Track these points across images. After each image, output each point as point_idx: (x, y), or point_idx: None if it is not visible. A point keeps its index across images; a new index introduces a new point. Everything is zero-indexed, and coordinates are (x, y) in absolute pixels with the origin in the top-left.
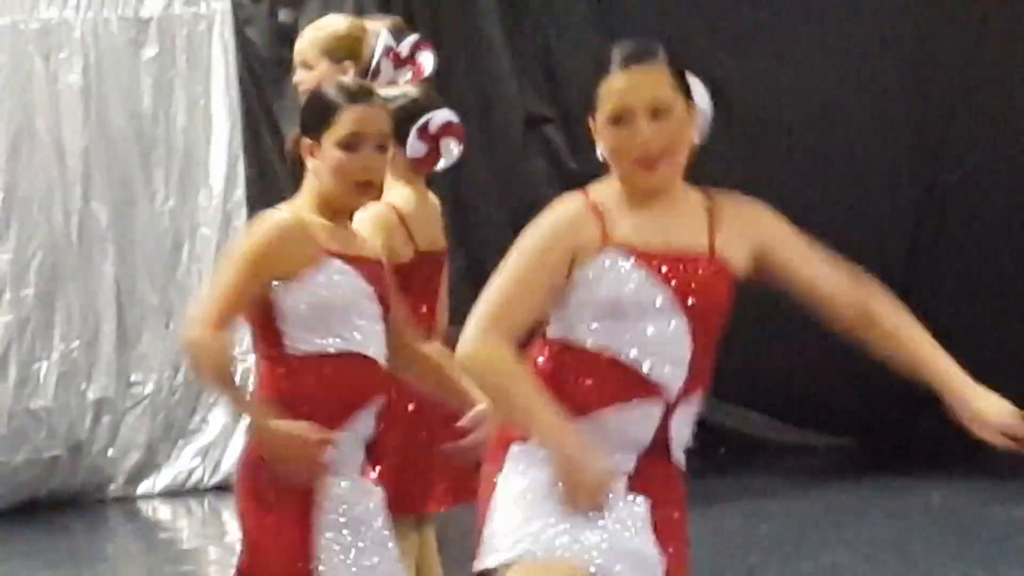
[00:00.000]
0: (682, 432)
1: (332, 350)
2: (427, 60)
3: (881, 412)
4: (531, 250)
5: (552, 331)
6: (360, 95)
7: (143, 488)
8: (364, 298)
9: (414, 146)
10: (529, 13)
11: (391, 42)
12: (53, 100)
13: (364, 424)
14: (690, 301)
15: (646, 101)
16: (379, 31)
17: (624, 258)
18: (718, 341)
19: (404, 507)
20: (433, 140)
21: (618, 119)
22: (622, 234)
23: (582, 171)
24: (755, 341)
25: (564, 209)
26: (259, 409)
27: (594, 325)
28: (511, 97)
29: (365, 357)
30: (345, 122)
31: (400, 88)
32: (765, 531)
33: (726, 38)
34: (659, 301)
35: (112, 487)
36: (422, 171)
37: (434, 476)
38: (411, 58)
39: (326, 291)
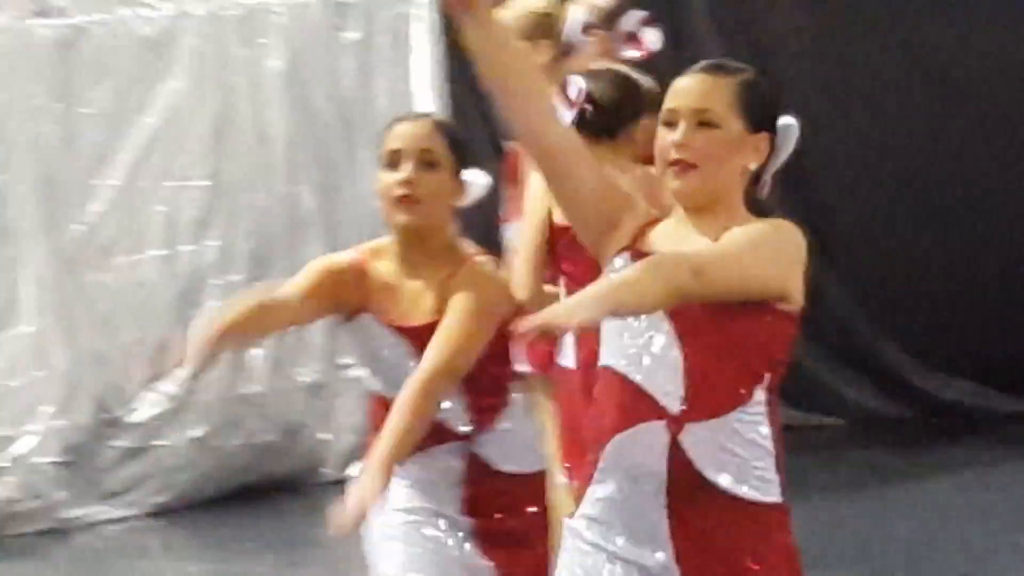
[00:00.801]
0: (719, 460)
1: None
2: (653, 37)
3: None
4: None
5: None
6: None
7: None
8: None
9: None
10: None
11: (587, 18)
12: (255, 86)
13: None
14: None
15: (694, 108)
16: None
17: (623, 260)
18: (734, 353)
19: None
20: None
21: (668, 121)
22: (652, 238)
23: (794, 152)
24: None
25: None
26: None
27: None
28: None
29: None
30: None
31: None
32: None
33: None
34: None
35: (326, 471)
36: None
37: None
38: (634, 35)
39: None
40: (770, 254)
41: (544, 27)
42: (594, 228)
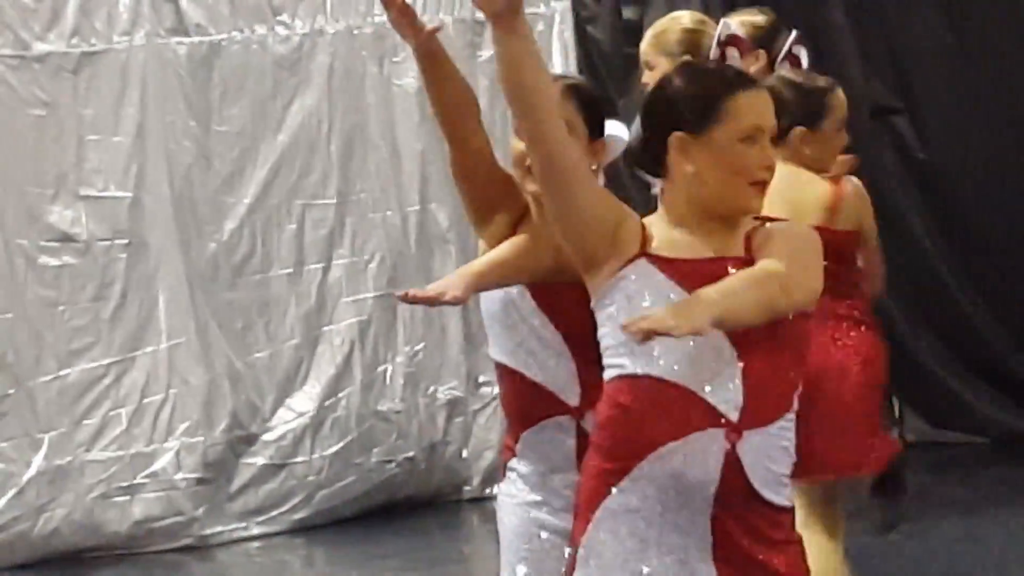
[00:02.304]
0: (764, 468)
1: None
2: (804, 56)
3: None
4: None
5: (606, 374)
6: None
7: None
8: None
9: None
10: (875, 2)
11: (735, 30)
12: (388, 103)
13: None
14: None
15: (770, 125)
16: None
17: (652, 267)
18: (784, 360)
19: None
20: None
21: (750, 137)
22: (656, 245)
23: (931, 161)
24: None
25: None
26: None
27: (633, 348)
28: (857, 87)
29: None
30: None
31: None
32: None
33: None
34: None
35: (467, 488)
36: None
37: None
38: (794, 55)
39: None
40: (818, 263)
41: (687, 44)
42: (593, 242)
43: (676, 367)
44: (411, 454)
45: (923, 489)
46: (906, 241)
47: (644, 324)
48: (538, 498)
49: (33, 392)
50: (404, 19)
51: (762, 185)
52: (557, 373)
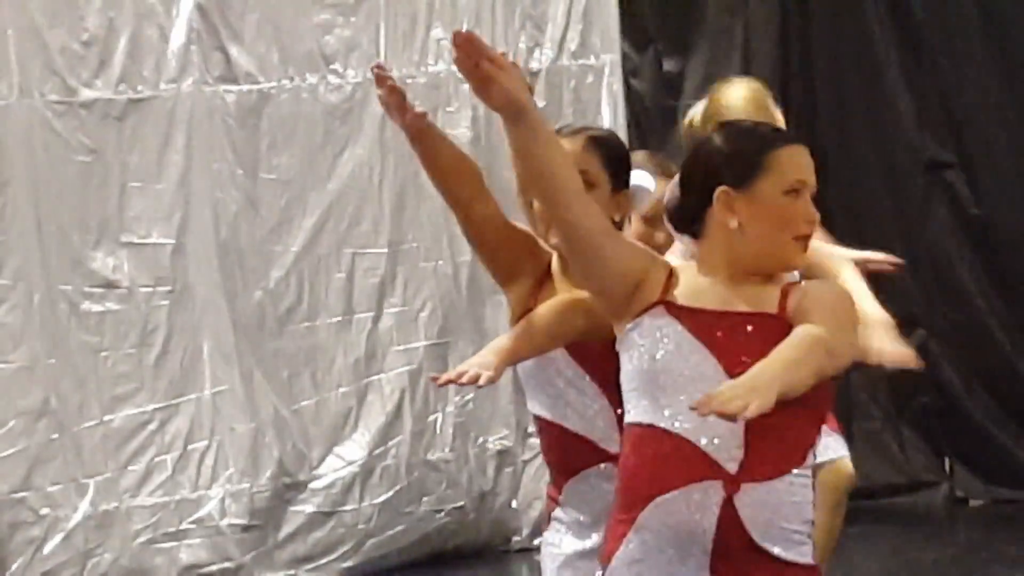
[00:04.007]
0: (767, 522)
1: None
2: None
3: None
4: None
5: (625, 418)
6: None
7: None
8: None
9: None
10: (929, 57)
11: None
12: None
13: None
14: (738, 368)
15: (812, 181)
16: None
17: (669, 316)
18: (795, 414)
19: None
20: None
21: (794, 191)
22: (680, 293)
23: (984, 217)
24: None
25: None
26: None
27: (642, 396)
28: (912, 142)
29: None
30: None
31: None
32: None
33: None
34: (701, 364)
35: (516, 539)
36: None
37: None
38: None
39: None
40: (855, 323)
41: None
42: (621, 294)
43: (680, 418)
44: (461, 504)
45: (975, 546)
46: (959, 298)
47: (714, 405)
48: (583, 547)
49: (78, 437)
50: (393, 98)
51: (805, 240)
52: (595, 423)
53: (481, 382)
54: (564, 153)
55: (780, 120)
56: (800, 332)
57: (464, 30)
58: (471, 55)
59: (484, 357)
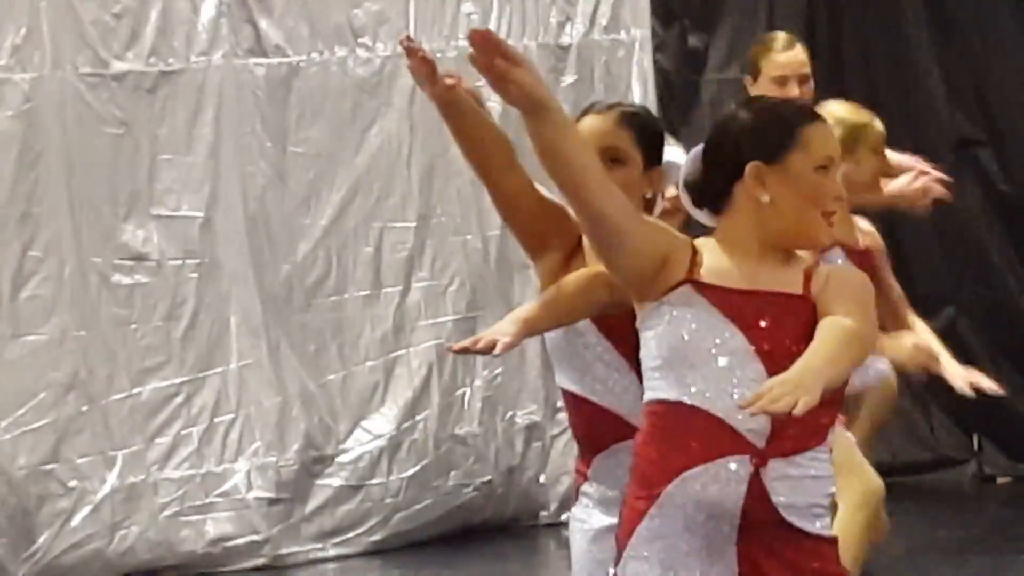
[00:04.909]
0: (791, 496)
1: None
2: None
3: None
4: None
5: (644, 396)
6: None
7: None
8: None
9: None
10: (959, 34)
11: None
12: None
13: None
14: (766, 346)
15: (839, 157)
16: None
17: (697, 295)
18: (829, 399)
19: None
20: None
21: (823, 167)
22: (705, 271)
23: (1015, 195)
24: None
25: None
26: None
27: (668, 373)
28: (942, 120)
29: None
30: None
31: None
32: None
33: None
34: (729, 342)
35: (544, 513)
36: None
37: None
38: None
39: None
40: (874, 310)
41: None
42: (646, 274)
43: (708, 394)
44: (488, 478)
45: (1003, 524)
46: (988, 275)
47: (763, 403)
48: (611, 522)
49: (106, 410)
50: (424, 68)
51: (831, 216)
52: (624, 397)
53: (497, 350)
54: (584, 142)
55: None
56: (836, 325)
57: (480, 28)
58: (487, 53)
59: (503, 325)
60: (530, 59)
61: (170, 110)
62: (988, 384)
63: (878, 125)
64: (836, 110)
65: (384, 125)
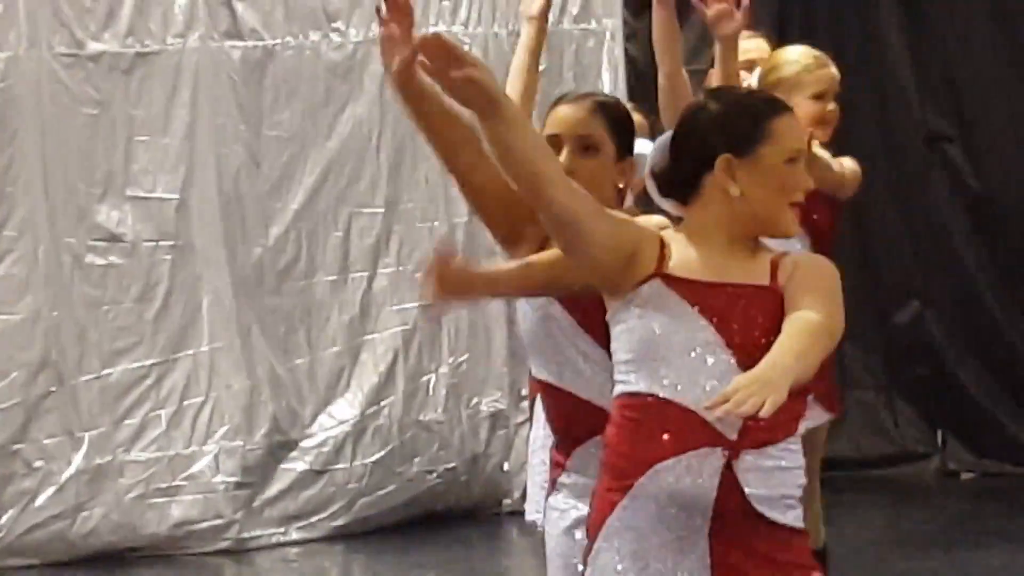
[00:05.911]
0: (764, 487)
1: None
2: None
3: None
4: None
5: (614, 389)
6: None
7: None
8: None
9: None
10: (931, 29)
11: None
12: None
13: None
14: (736, 338)
15: (805, 149)
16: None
17: (667, 288)
18: (799, 388)
19: None
20: None
21: (792, 159)
22: (674, 265)
23: (983, 189)
24: None
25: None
26: None
27: (640, 367)
28: (912, 115)
29: None
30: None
31: None
32: None
33: None
34: (700, 335)
35: (508, 501)
36: None
37: None
38: None
39: None
40: (841, 298)
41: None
42: (614, 269)
43: (680, 387)
44: (452, 465)
45: (965, 518)
46: (956, 270)
47: (729, 406)
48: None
49: (76, 390)
50: (404, 24)
51: (798, 207)
52: (604, 388)
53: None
54: (541, 139)
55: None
56: (803, 320)
57: (430, 32)
58: (438, 58)
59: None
60: (481, 60)
61: (146, 91)
62: None
63: (831, 70)
64: (791, 50)
65: (355, 110)
